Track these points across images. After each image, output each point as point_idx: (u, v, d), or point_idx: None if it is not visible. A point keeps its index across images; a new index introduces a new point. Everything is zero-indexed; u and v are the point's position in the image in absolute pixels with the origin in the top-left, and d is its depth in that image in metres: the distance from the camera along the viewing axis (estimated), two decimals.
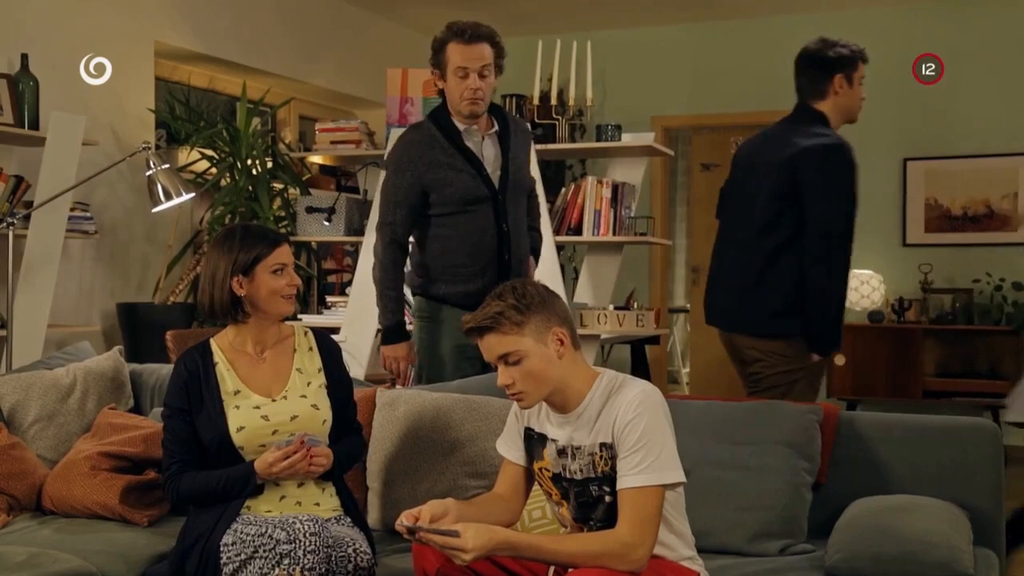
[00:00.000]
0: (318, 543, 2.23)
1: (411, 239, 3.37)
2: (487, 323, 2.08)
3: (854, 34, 6.76)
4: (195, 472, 2.47)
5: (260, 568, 2.24)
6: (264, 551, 2.24)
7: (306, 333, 2.65)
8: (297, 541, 2.22)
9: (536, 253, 3.55)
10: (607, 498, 2.09)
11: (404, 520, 1.99)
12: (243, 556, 2.27)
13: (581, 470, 2.11)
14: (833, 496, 2.58)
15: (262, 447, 2.45)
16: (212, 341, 2.59)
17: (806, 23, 6.87)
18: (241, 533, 2.31)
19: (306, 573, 2.20)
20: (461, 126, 3.27)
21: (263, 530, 2.27)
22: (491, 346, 2.10)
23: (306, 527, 2.24)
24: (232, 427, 2.45)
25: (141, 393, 3.33)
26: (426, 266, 3.33)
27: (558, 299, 2.16)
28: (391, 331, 3.32)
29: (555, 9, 6.78)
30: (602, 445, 2.07)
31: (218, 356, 2.55)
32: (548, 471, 2.18)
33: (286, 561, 2.20)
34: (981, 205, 6.62)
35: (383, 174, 4.62)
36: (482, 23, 3.23)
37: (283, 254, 2.51)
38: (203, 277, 2.53)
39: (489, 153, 3.31)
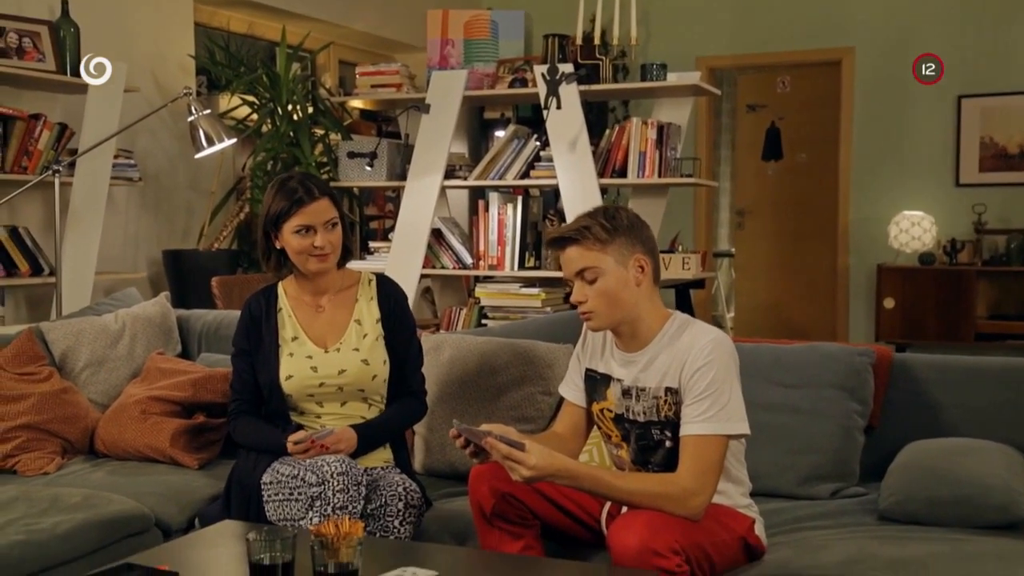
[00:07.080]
0: (346, 482, 2.22)
1: None
2: (572, 234, 2.06)
3: None
4: (248, 420, 2.49)
5: (294, 510, 2.25)
6: (297, 494, 2.26)
7: (370, 281, 2.59)
8: (326, 482, 2.22)
9: None
10: (668, 443, 2.07)
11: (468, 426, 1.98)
12: (280, 496, 2.29)
13: (644, 412, 2.09)
14: (886, 439, 2.54)
15: (310, 396, 2.46)
16: (280, 285, 2.58)
17: None
18: (278, 472, 2.32)
19: (338, 512, 2.20)
20: None
21: (296, 472, 2.28)
22: (571, 259, 2.07)
23: (333, 467, 2.24)
24: (282, 374, 2.46)
25: (188, 338, 3.36)
26: None
27: (648, 230, 2.11)
28: None
29: None
30: (667, 389, 2.05)
31: (282, 301, 2.55)
32: (610, 412, 2.16)
33: (318, 503, 2.21)
34: None
35: (423, 118, 4.61)
36: None
37: (307, 215, 2.38)
38: None
39: None
